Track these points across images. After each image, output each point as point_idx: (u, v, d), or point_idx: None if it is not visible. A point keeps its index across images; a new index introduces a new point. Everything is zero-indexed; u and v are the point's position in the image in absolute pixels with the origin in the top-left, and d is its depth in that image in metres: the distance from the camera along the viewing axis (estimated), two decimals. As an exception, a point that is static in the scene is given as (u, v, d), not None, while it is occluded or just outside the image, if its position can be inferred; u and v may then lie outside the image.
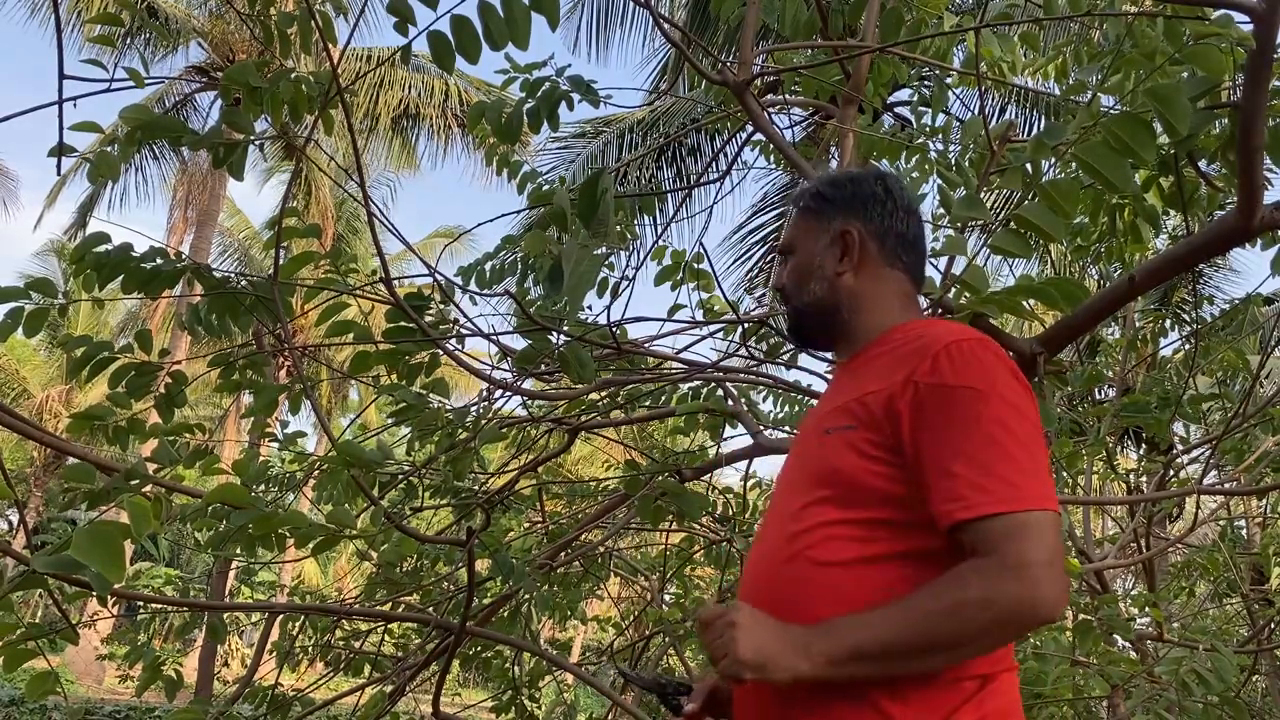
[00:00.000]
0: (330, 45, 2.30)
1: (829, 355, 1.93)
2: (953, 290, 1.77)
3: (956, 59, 3.21)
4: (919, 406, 1.20)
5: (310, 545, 1.98)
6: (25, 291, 2.10)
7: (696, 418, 2.98)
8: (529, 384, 2.85)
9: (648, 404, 3.16)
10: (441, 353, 2.48)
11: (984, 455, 1.14)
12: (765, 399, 3.54)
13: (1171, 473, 4.48)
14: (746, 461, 3.20)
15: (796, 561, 1.26)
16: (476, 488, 3.03)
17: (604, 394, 3.00)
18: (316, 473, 2.93)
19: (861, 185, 1.46)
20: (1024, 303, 1.79)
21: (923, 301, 1.89)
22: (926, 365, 1.21)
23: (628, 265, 2.97)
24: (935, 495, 1.16)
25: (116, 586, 1.38)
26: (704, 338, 3.03)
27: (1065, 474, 4.01)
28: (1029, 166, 1.60)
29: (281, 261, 2.28)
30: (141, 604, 2.47)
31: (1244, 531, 6.13)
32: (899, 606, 1.12)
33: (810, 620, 1.18)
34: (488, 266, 2.81)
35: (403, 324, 2.37)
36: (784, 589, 1.26)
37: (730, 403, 2.91)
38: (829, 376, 2.84)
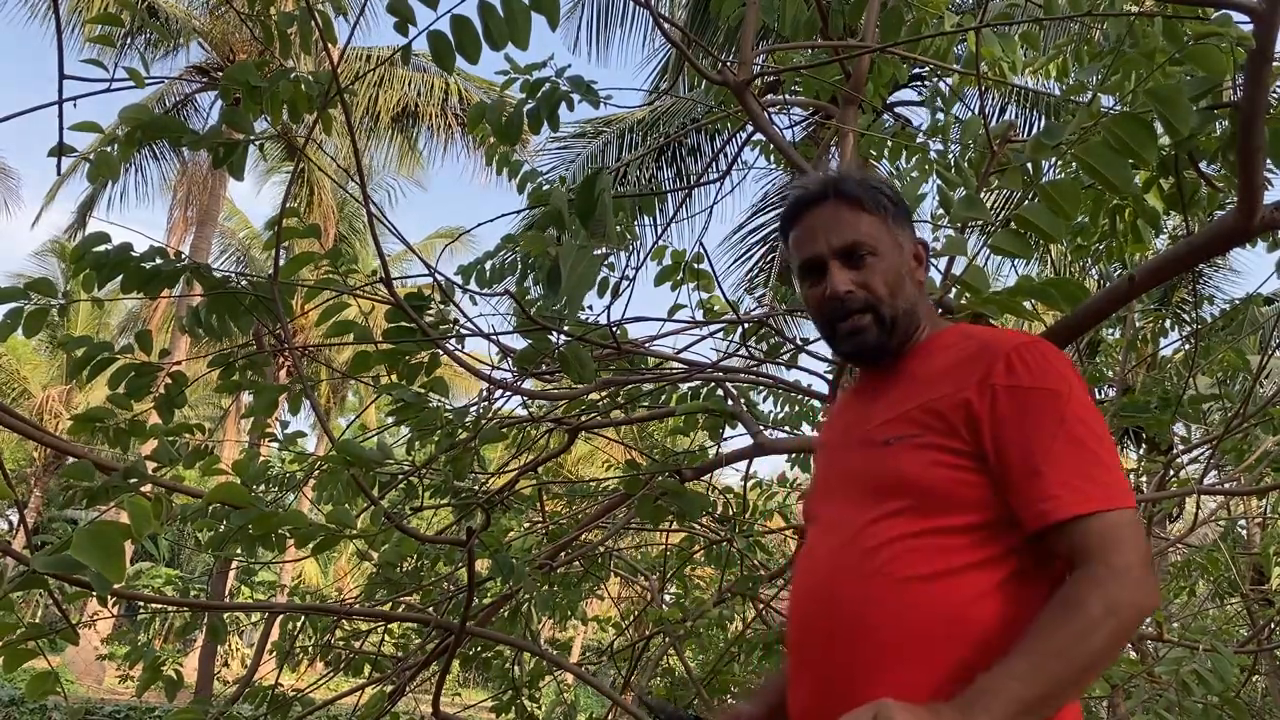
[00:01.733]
0: (330, 45, 2.30)
1: (829, 355, 1.91)
2: (953, 290, 1.77)
3: (957, 59, 3.21)
4: (998, 409, 1.20)
5: (310, 545, 1.98)
6: (25, 292, 2.10)
7: (696, 418, 2.98)
8: (529, 384, 2.85)
9: (648, 404, 3.16)
10: (441, 353, 2.48)
11: (1071, 455, 1.15)
12: (765, 399, 3.55)
13: (1171, 473, 4.47)
14: (746, 461, 3.20)
15: (875, 580, 1.21)
16: (476, 488, 3.03)
17: (604, 394, 3.00)
18: (316, 473, 2.93)
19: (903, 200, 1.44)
20: (1024, 303, 1.79)
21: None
22: (1000, 367, 1.22)
23: (628, 265, 2.97)
24: (1024, 496, 1.16)
25: (116, 586, 1.38)
26: (704, 338, 3.03)
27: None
28: (1029, 166, 1.60)
29: (281, 261, 2.28)
30: (141, 604, 2.47)
31: (1244, 531, 6.12)
32: (1032, 648, 1.08)
33: (882, 640, 1.18)
34: (488, 266, 2.81)
35: (403, 324, 2.37)
36: (860, 609, 1.22)
37: (730, 403, 2.91)
38: (828, 377, 2.84)
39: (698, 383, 2.97)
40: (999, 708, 1.04)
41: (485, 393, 2.87)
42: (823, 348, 2.58)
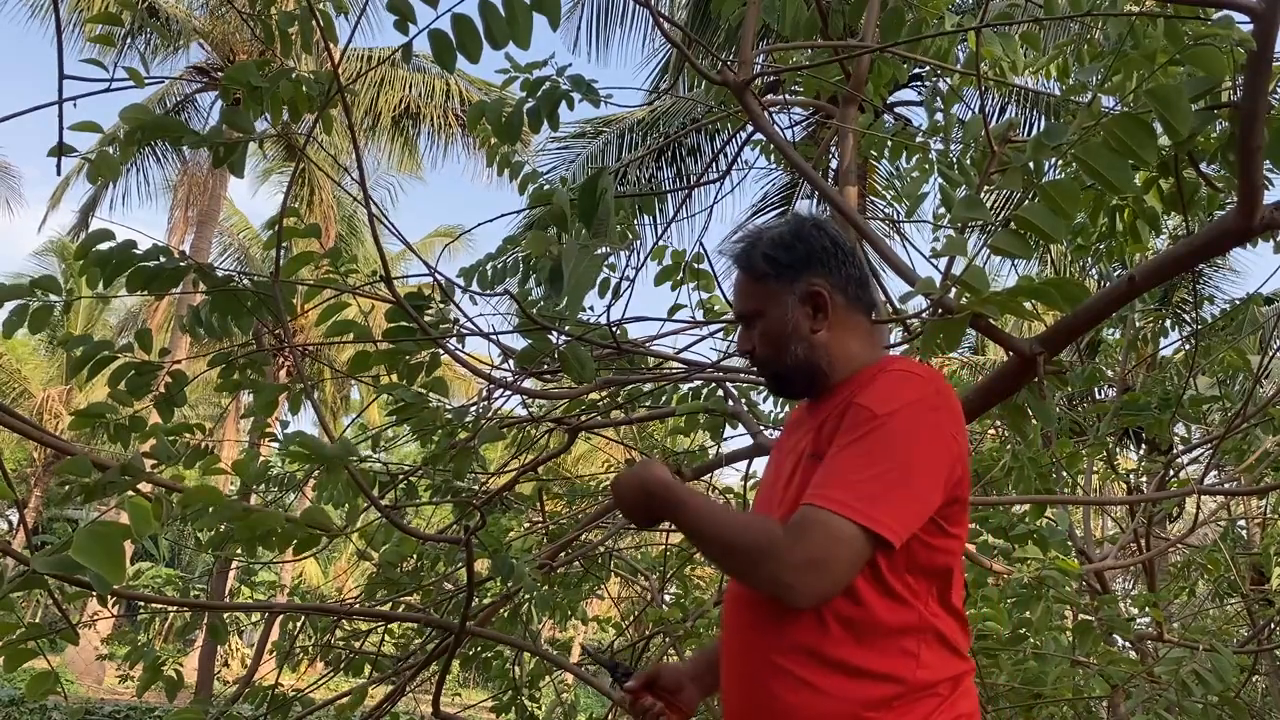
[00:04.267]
0: (331, 45, 2.30)
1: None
2: (953, 290, 1.77)
3: (958, 59, 3.21)
4: (840, 423, 1.33)
5: (294, 546, 1.98)
6: (30, 290, 2.10)
7: (697, 418, 2.98)
8: (529, 384, 2.84)
9: (648, 404, 3.16)
10: (441, 353, 2.48)
11: (847, 464, 1.28)
12: (765, 399, 3.54)
13: (1172, 473, 4.47)
14: (746, 461, 3.20)
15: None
16: (476, 488, 3.03)
17: (604, 394, 3.00)
18: (316, 473, 2.92)
19: (811, 241, 1.50)
20: (1024, 303, 1.78)
21: (923, 302, 1.89)
22: (860, 392, 1.35)
23: (628, 265, 2.97)
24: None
25: (116, 586, 1.38)
26: (704, 338, 3.04)
27: (1065, 474, 4.01)
28: (1030, 166, 1.60)
29: (282, 261, 2.28)
30: (141, 604, 2.47)
31: (1244, 532, 6.12)
32: (724, 518, 1.33)
33: (800, 638, 1.30)
34: (489, 267, 2.81)
35: (403, 324, 2.37)
36: (776, 622, 1.34)
37: (730, 403, 2.91)
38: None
39: (698, 383, 2.97)
40: (681, 514, 1.35)
41: (485, 392, 2.87)
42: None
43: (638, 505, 1.42)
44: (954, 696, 1.31)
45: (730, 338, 3.14)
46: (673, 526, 1.43)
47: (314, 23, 2.17)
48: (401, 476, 2.80)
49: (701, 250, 3.04)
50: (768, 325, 1.49)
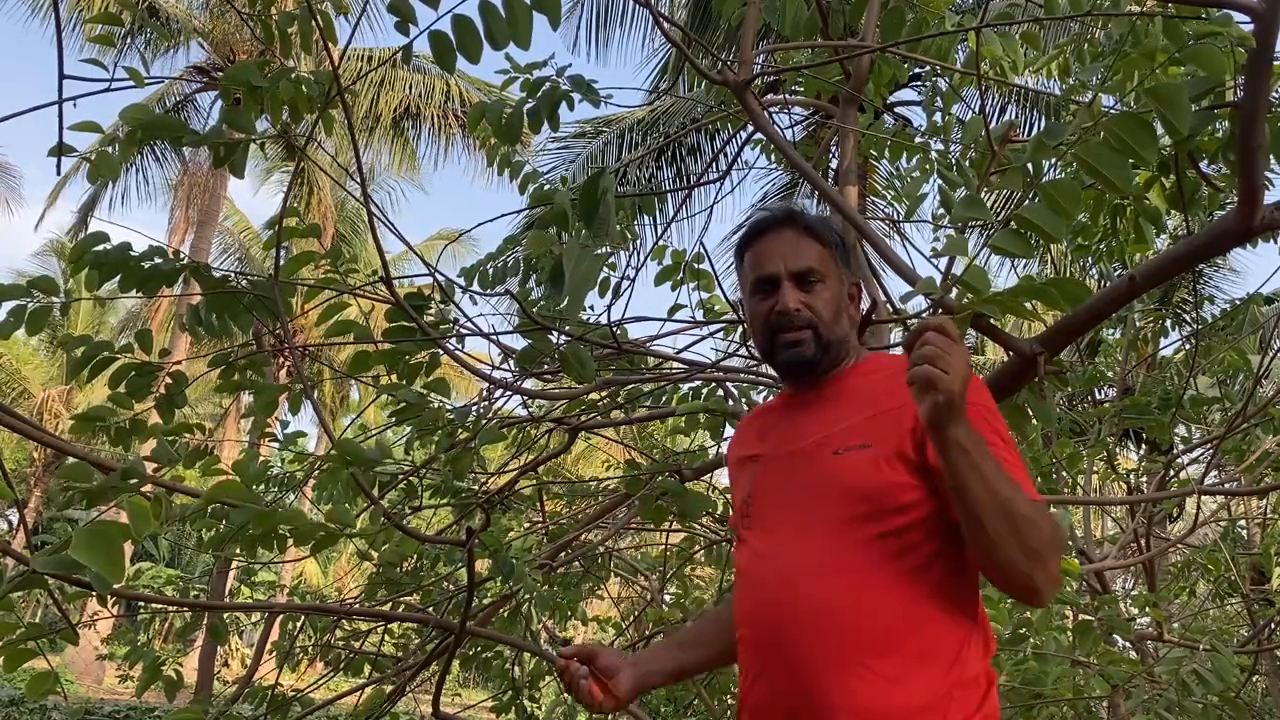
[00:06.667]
0: (330, 45, 2.30)
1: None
2: (954, 290, 1.76)
3: (958, 59, 3.20)
4: (902, 414, 1.34)
5: (310, 545, 1.98)
6: (27, 290, 2.10)
7: (697, 418, 2.98)
8: (529, 384, 2.84)
9: (648, 404, 3.16)
10: (441, 353, 2.48)
11: (1009, 457, 1.31)
12: (765, 399, 3.54)
13: (1172, 473, 4.47)
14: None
15: (841, 579, 1.33)
16: (476, 488, 3.02)
17: (604, 394, 3.00)
18: (316, 473, 2.93)
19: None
20: (1025, 303, 1.78)
21: (924, 302, 1.89)
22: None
23: (628, 265, 2.97)
24: None
25: (116, 586, 1.38)
26: (704, 338, 3.04)
27: (1065, 474, 4.01)
28: (1030, 166, 1.60)
29: (281, 261, 2.28)
30: (141, 604, 2.47)
31: (1244, 532, 6.12)
32: (1013, 485, 1.23)
33: (853, 632, 1.30)
34: (489, 267, 2.81)
35: (403, 324, 2.37)
36: (828, 606, 1.33)
37: (730, 403, 2.91)
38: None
39: (698, 383, 2.97)
40: (972, 448, 1.21)
41: (485, 392, 2.87)
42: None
43: (963, 379, 1.20)
44: (990, 692, 1.35)
45: (730, 337, 3.14)
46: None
47: (314, 23, 2.17)
48: (401, 477, 2.80)
49: (702, 250, 3.04)
50: (832, 294, 1.51)
